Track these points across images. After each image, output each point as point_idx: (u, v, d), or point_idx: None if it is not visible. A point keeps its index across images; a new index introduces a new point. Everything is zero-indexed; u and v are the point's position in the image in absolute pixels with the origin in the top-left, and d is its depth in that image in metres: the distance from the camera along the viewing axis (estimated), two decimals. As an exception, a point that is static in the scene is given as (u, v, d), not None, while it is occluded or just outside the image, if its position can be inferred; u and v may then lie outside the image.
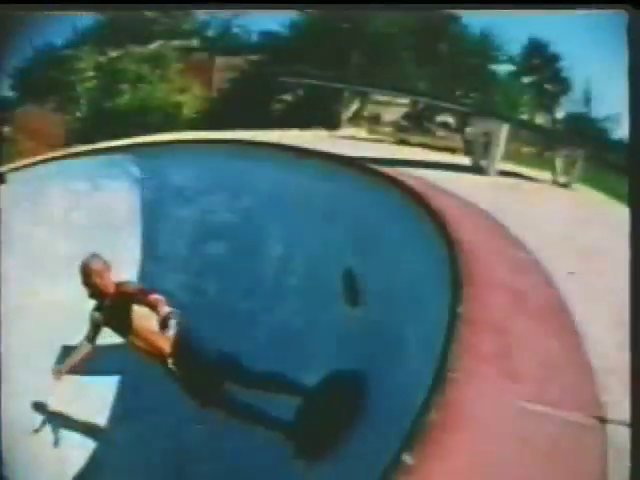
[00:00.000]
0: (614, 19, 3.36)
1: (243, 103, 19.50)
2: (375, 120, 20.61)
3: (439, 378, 2.36)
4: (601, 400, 2.45)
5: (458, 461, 1.95)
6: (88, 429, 6.98)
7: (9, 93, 23.21)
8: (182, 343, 5.77)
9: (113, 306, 5.98)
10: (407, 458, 1.89)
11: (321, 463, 4.94)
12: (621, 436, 2.23)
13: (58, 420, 6.85)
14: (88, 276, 5.95)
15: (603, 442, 2.18)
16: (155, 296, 5.40)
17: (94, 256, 6.10)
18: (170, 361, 5.77)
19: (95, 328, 6.33)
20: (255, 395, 5.73)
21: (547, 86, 26.73)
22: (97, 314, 6.22)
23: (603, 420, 2.29)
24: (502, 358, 2.67)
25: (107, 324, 6.17)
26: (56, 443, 6.65)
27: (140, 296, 5.64)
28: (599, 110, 27.54)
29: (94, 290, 6.01)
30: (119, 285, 5.99)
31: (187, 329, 5.81)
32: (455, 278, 3.52)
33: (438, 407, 2.14)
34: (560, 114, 27.39)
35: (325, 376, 5.56)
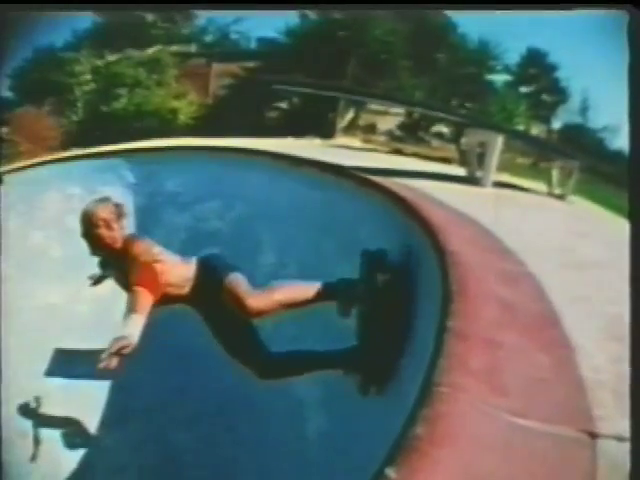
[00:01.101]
0: (615, 20, 3.35)
1: (239, 110, 19.59)
2: (370, 129, 20.71)
3: (426, 392, 2.36)
4: (592, 414, 2.44)
5: (444, 476, 1.95)
6: (77, 430, 6.97)
7: (8, 94, 23.30)
8: (202, 283, 5.06)
9: (120, 263, 4.94)
10: (390, 472, 1.89)
11: (389, 386, 4.68)
12: (613, 450, 2.23)
13: (44, 422, 6.85)
14: (93, 226, 4.90)
15: (593, 456, 2.17)
16: (138, 289, 4.54)
17: (102, 200, 5.08)
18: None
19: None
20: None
21: (544, 96, 26.84)
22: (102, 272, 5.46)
23: (593, 434, 2.29)
24: (491, 372, 2.67)
25: (113, 278, 5.29)
26: (33, 458, 6.60)
27: (136, 266, 4.74)
28: (596, 120, 27.68)
29: (97, 243, 4.97)
30: (128, 241, 5.01)
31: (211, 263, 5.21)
32: (445, 291, 3.52)
33: (425, 421, 2.14)
34: (557, 124, 27.52)
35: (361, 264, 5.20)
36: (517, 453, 2.17)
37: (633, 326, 2.78)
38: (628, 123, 3.18)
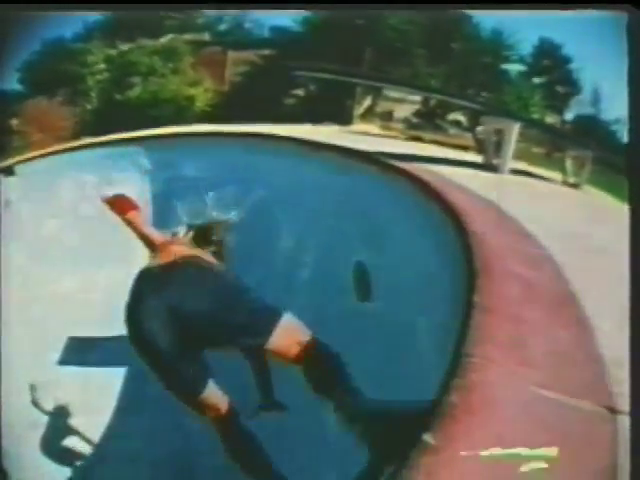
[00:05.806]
0: (615, 20, 3.33)
1: (255, 97, 19.57)
2: (387, 116, 20.68)
3: (457, 362, 2.37)
4: (611, 390, 2.47)
5: (478, 441, 1.96)
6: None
7: (17, 86, 23.30)
8: None
9: None
10: (428, 438, 1.90)
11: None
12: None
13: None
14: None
15: (613, 430, 2.21)
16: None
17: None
18: None
19: None
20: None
21: (557, 87, 26.74)
22: None
23: (613, 410, 2.31)
24: (516, 345, 2.70)
25: None
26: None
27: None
28: (608, 112, 27.52)
29: None
30: None
31: None
32: (470, 267, 3.53)
33: (458, 389, 2.16)
34: (569, 116, 27.42)
35: None
36: (543, 423, 2.19)
37: (632, 308, 2.79)
38: (628, 122, 3.18)
